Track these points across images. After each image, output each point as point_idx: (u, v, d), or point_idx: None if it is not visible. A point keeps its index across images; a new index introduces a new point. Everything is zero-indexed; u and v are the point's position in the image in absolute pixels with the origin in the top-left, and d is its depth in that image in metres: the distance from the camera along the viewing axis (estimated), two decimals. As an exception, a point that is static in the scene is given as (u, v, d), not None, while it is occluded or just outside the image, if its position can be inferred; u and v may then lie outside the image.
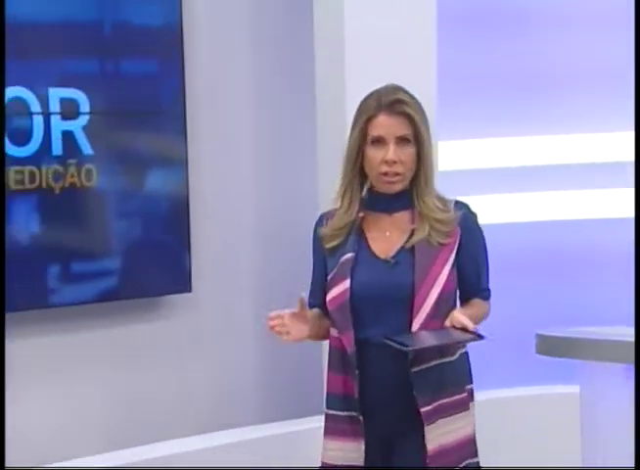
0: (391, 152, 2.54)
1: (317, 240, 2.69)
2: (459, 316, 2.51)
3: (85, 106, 3.44)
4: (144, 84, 3.59)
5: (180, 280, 3.57)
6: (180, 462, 3.20)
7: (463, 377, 2.66)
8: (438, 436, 2.56)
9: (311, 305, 2.72)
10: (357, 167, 2.62)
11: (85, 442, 3.48)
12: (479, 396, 3.37)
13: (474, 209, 2.68)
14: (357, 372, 2.56)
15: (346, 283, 2.58)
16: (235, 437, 3.45)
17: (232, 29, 3.81)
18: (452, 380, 2.60)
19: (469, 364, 2.68)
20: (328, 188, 3.10)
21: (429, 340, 2.53)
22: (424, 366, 2.54)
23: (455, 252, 2.60)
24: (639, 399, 2.76)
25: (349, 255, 2.61)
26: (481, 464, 3.24)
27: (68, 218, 3.47)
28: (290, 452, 3.30)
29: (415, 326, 2.52)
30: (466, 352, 2.65)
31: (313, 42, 3.59)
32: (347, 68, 3.48)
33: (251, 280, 3.70)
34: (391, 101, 2.56)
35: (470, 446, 2.64)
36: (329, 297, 2.62)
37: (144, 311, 3.63)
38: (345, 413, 2.60)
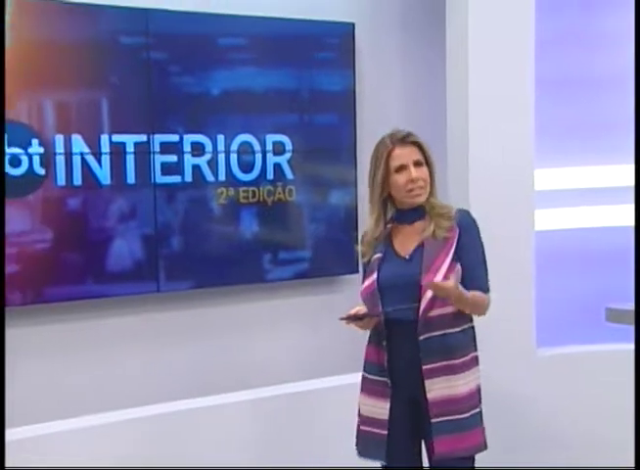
0: (413, 172, 2.78)
1: (360, 254, 2.96)
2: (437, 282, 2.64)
3: (289, 146, 4.14)
4: (328, 131, 4.23)
5: (350, 265, 4.13)
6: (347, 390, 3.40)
7: (467, 345, 2.82)
8: (441, 388, 2.74)
9: None
10: (384, 194, 2.84)
11: (311, 369, 4.06)
12: (564, 350, 3.92)
13: (473, 215, 2.88)
14: (385, 343, 2.79)
15: (374, 276, 2.81)
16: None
17: (387, 93, 4.46)
18: (456, 347, 2.77)
19: (474, 335, 2.85)
20: (455, 198, 3.81)
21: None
22: (428, 335, 2.74)
23: (455, 245, 2.77)
24: (639, 402, 2.95)
25: (378, 255, 2.85)
26: (559, 401, 3.82)
27: (277, 222, 4.15)
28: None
29: (422, 306, 2.73)
30: (472, 327, 2.84)
31: (446, 103, 4.09)
32: (471, 118, 3.94)
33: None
34: (402, 136, 2.82)
35: (474, 398, 2.81)
36: (362, 287, 2.86)
37: (325, 286, 4.33)
38: (379, 378, 2.83)
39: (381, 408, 2.83)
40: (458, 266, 2.77)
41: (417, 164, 2.80)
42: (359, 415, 2.92)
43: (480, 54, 3.93)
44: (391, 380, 2.82)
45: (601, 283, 4.22)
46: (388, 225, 2.87)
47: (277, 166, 4.14)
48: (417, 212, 2.85)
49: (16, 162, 3.59)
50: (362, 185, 4.13)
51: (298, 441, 3.77)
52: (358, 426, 2.93)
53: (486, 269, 2.84)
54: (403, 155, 2.80)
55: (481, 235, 2.87)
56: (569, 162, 4.23)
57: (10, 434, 3.19)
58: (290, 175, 4.18)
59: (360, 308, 2.84)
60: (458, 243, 2.78)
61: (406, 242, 2.85)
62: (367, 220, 2.91)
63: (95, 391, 3.85)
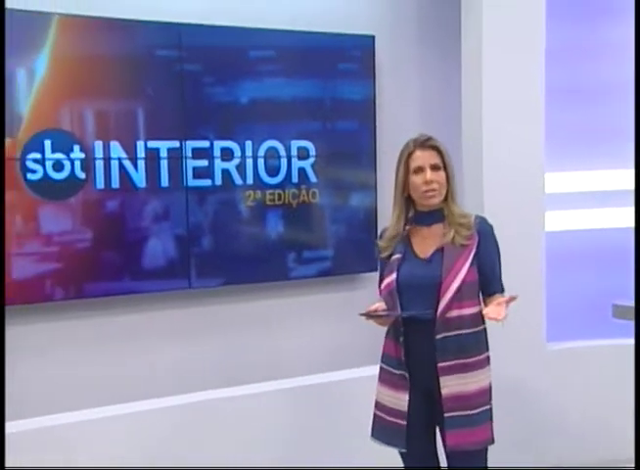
0: (428, 174, 2.84)
1: (378, 249, 3.01)
2: (493, 308, 2.69)
3: (313, 151, 4.23)
4: (349, 137, 4.30)
5: (370, 263, 4.11)
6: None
7: (481, 345, 2.87)
8: (454, 385, 2.80)
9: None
10: (405, 194, 2.90)
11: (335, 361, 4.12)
12: (572, 344, 3.97)
13: (489, 221, 2.95)
14: (402, 339, 2.86)
15: (394, 275, 2.86)
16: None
17: (405, 102, 4.52)
18: (471, 346, 2.83)
19: (486, 336, 2.90)
20: (470, 201, 3.92)
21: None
22: (444, 335, 2.80)
23: (474, 252, 2.83)
24: (639, 403, 3.07)
25: (398, 255, 2.89)
26: (568, 393, 3.87)
27: (301, 223, 4.24)
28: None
29: (441, 306, 2.78)
30: (484, 328, 2.89)
31: (460, 111, 4.16)
32: (484, 125, 3.99)
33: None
34: (423, 140, 2.89)
35: (485, 396, 2.87)
36: (382, 285, 2.91)
37: (346, 284, 4.38)
38: (398, 372, 2.90)
39: (401, 400, 2.89)
40: (475, 271, 2.85)
41: (434, 167, 2.86)
42: (376, 404, 2.98)
43: (493, 65, 4.00)
44: (409, 373, 2.89)
45: (608, 281, 4.27)
46: (407, 227, 2.92)
47: (301, 171, 4.24)
48: (435, 215, 2.90)
49: (59, 166, 3.75)
50: (381, 188, 4.30)
51: (321, 428, 3.85)
52: (375, 414, 2.99)
53: (501, 272, 2.94)
54: (422, 157, 2.86)
55: (496, 237, 2.96)
56: (577, 166, 4.28)
57: (47, 420, 3.39)
58: (313, 179, 4.27)
59: (379, 305, 2.90)
60: (477, 249, 2.85)
61: (424, 244, 2.90)
62: (391, 216, 2.96)
63: (130, 381, 3.96)
